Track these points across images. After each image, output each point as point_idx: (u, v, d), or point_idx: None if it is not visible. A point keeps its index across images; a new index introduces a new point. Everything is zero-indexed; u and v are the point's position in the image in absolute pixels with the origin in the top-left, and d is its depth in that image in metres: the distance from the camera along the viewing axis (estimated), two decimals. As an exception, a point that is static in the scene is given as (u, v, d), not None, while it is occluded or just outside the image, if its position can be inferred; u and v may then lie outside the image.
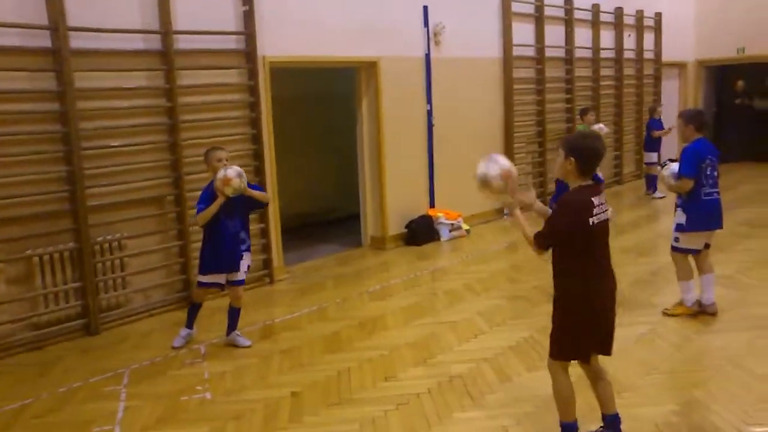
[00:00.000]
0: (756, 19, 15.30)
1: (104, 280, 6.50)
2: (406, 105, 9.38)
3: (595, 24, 12.85)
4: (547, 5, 11.54)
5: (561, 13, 12.07)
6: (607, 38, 13.33)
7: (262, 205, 6.01)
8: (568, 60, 12.25)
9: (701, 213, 5.78)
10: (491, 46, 10.73)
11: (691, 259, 6.02)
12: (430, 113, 9.74)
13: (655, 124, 12.38)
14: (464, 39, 10.10)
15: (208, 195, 5.54)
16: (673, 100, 16.41)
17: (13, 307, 5.97)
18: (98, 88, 6.32)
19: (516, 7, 10.96)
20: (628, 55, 14.06)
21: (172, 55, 6.72)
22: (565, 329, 3.73)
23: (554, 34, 11.88)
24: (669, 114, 15.77)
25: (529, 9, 11.37)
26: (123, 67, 6.49)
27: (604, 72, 13.22)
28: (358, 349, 5.74)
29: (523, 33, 11.25)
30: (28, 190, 5.94)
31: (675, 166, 5.88)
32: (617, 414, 3.84)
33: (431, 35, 9.62)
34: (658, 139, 12.32)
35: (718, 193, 5.88)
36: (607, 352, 3.77)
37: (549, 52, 11.72)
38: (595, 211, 3.57)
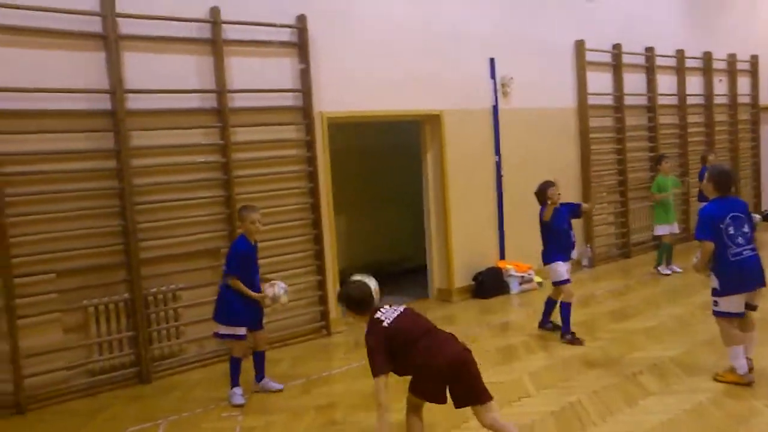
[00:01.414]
0: None
1: (158, 330, 6.72)
2: (472, 156, 9.29)
3: (680, 70, 12.37)
4: (625, 53, 11.22)
5: (641, 60, 11.70)
6: (695, 84, 12.79)
7: None
8: (651, 107, 11.81)
9: (732, 275, 5.43)
10: (564, 96, 10.52)
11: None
12: (498, 164, 9.60)
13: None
14: (534, 90, 9.94)
15: (240, 256, 5.79)
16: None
17: (69, 354, 6.24)
18: (152, 146, 6.62)
19: (591, 56, 10.72)
20: (721, 100, 13.41)
21: (227, 112, 6.97)
22: None
23: (635, 82, 11.53)
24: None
25: (606, 57, 11.09)
26: (178, 125, 6.77)
27: (692, 119, 12.66)
28: (392, 409, 5.58)
29: (600, 81, 10.98)
30: (85, 243, 6.26)
31: None
32: None
33: (498, 87, 9.54)
34: None
35: (752, 249, 5.49)
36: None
37: (629, 100, 11.37)
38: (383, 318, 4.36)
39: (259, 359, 6.12)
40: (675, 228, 10.03)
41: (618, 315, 8.03)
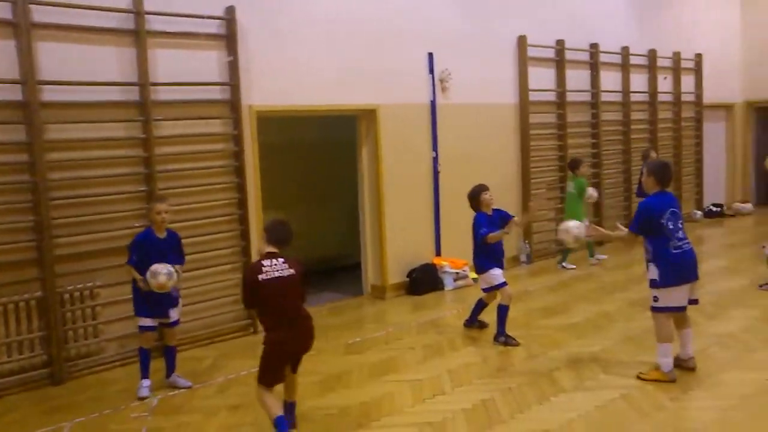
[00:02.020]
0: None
1: (74, 329, 6.54)
2: (409, 152, 9.23)
3: (625, 67, 12.44)
4: (569, 49, 11.23)
5: (585, 56, 11.73)
6: (639, 81, 12.88)
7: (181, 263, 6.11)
8: (594, 104, 11.87)
9: (674, 267, 5.49)
10: (505, 92, 10.50)
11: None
12: (435, 160, 9.56)
13: None
14: (474, 85, 9.91)
15: (137, 245, 5.83)
16: (720, 143, 15.73)
17: (-24, 355, 6.05)
18: (69, 140, 6.43)
19: (534, 52, 10.72)
20: (665, 98, 13.54)
21: (149, 105, 6.80)
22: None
23: (578, 78, 11.56)
24: (714, 157, 15.21)
25: (549, 53, 11.10)
26: (97, 118, 6.59)
27: (635, 116, 12.75)
28: (309, 408, 5.52)
29: (543, 77, 10.98)
30: (-5, 239, 6.06)
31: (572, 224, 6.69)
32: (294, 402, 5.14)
33: (437, 82, 9.48)
34: None
35: (689, 243, 5.60)
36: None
37: (572, 97, 11.40)
38: (264, 269, 4.72)
39: (168, 354, 6.11)
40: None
41: (547, 311, 8.05)
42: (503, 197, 10.40)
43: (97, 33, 6.59)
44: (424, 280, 9.21)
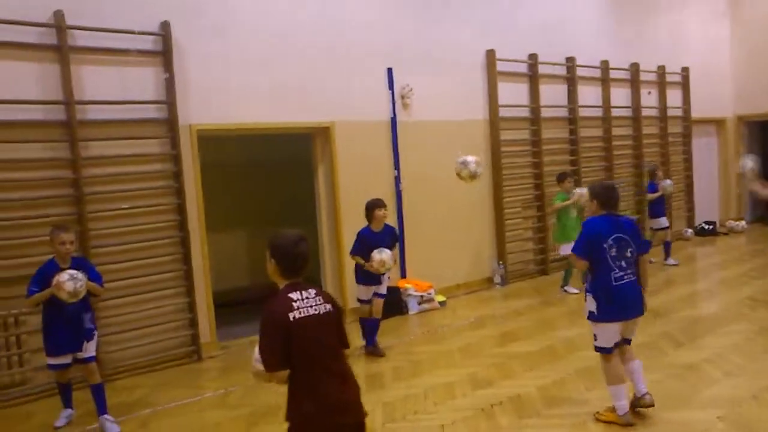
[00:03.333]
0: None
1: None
2: (368, 171, 8.88)
3: (605, 81, 12.07)
4: (543, 63, 10.88)
5: (562, 71, 11.38)
6: (621, 95, 12.49)
7: (96, 296, 5.74)
8: (572, 119, 11.49)
9: (612, 301, 4.97)
10: (473, 108, 10.15)
11: None
12: (398, 179, 9.21)
13: (652, 187, 11.35)
14: (439, 101, 9.58)
15: (42, 278, 5.34)
16: (712, 159, 15.28)
17: None
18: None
19: (505, 66, 10.38)
20: (650, 113, 13.13)
21: (75, 125, 6.52)
22: None
23: (554, 93, 11.20)
24: (707, 173, 14.75)
25: (521, 68, 10.75)
26: (16, 138, 6.32)
27: (618, 131, 12.33)
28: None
29: (515, 93, 10.64)
30: None
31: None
32: None
33: (397, 98, 9.15)
34: (660, 202, 11.26)
35: (632, 274, 5.03)
36: None
37: (548, 112, 11.03)
38: (296, 305, 3.23)
39: (93, 394, 5.61)
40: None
41: (507, 337, 7.63)
42: (474, 216, 10.10)
43: (14, 48, 6.33)
44: (386, 304, 8.79)
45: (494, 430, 5.12)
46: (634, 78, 12.74)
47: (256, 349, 3.25)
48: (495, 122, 10.29)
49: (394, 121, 9.14)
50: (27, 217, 6.35)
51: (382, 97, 9.06)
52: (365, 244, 7.02)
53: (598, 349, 5.11)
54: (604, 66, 12.07)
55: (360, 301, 7.40)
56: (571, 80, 11.45)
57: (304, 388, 3.21)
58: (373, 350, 7.30)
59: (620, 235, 5.00)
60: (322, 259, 8.88)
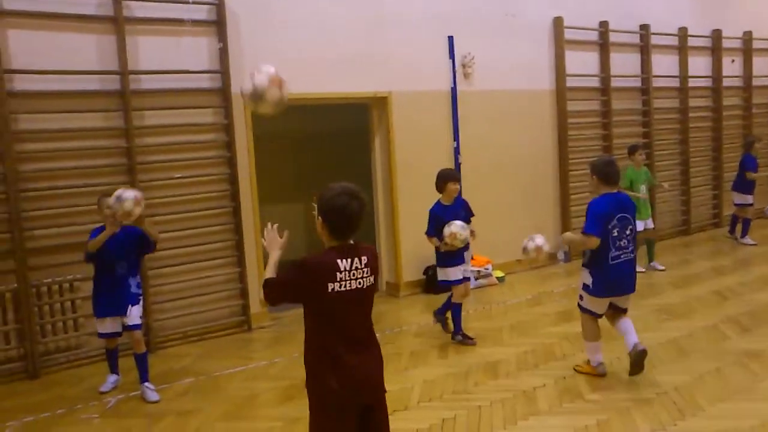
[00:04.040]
0: None
1: (52, 323, 6.44)
2: (426, 142, 8.69)
3: (683, 49, 11.42)
4: (613, 31, 10.37)
5: (634, 39, 10.82)
6: (699, 64, 11.81)
7: (150, 249, 5.73)
8: (645, 90, 10.94)
9: (607, 278, 5.19)
10: (539, 77, 9.78)
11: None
12: (457, 151, 8.99)
13: (751, 161, 10.68)
14: (502, 71, 9.27)
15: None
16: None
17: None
18: (40, 130, 6.30)
19: (574, 34, 9.94)
20: (733, 82, 12.39)
21: (128, 95, 6.59)
22: None
23: (625, 62, 10.67)
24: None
25: (591, 36, 10.28)
26: (73, 108, 6.42)
27: (695, 103, 11.69)
28: (260, 418, 5.17)
29: (584, 62, 10.19)
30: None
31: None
32: None
33: (458, 67, 8.90)
34: (752, 181, 10.61)
35: (630, 252, 5.23)
36: None
37: (618, 82, 10.53)
38: (339, 276, 3.00)
39: (137, 362, 5.70)
40: (650, 223, 9.14)
41: (562, 316, 7.39)
42: (537, 189, 9.80)
43: (73, 20, 6.41)
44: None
45: (532, 414, 4.95)
46: (715, 45, 12.01)
47: None
48: (562, 92, 9.90)
49: (454, 90, 8.90)
50: (78, 185, 6.47)
51: (442, 66, 8.82)
52: (439, 220, 6.44)
53: (582, 308, 5.42)
54: (682, 33, 11.41)
55: (447, 282, 6.57)
56: (644, 48, 10.89)
57: (328, 362, 3.05)
58: (463, 339, 6.60)
59: (624, 214, 5.13)
60: (377, 231, 8.80)
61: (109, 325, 5.63)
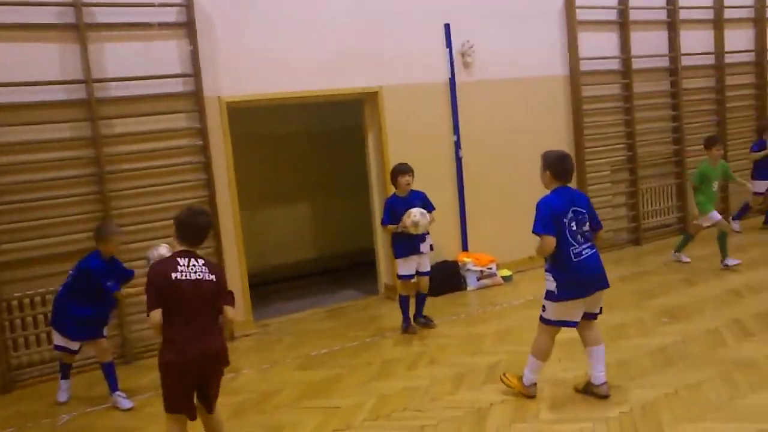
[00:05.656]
0: None
1: (25, 336, 6.43)
2: (423, 137, 8.29)
3: (718, 22, 10.58)
4: (634, 8, 9.67)
5: (660, 15, 10.09)
6: (738, 38, 10.91)
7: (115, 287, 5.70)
8: (673, 70, 10.20)
9: (574, 277, 4.69)
10: (549, 62, 9.22)
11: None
12: (457, 145, 8.57)
13: (763, 145, 9.89)
14: (506, 58, 8.78)
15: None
16: None
17: None
18: (7, 143, 6.27)
19: (585, 14, 9.31)
20: (777, 56, 11.44)
21: (93, 103, 6.49)
22: None
23: (650, 41, 9.96)
24: None
25: (608, 15, 9.62)
26: (37, 119, 6.37)
27: (732, 81, 10.82)
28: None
29: (601, 43, 9.56)
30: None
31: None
32: None
33: (456, 56, 8.46)
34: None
35: (591, 248, 4.77)
36: None
37: (641, 63, 9.85)
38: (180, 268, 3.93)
39: (104, 371, 5.69)
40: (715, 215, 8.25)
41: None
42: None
43: (33, 30, 6.35)
44: (442, 280, 8.26)
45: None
46: (758, 16, 11.09)
47: None
48: (576, 77, 9.31)
49: (452, 81, 8.47)
50: (48, 197, 6.43)
51: (437, 56, 8.40)
52: (394, 211, 6.69)
53: (544, 320, 4.87)
54: (718, 5, 10.57)
55: (401, 277, 6.92)
56: (671, 25, 10.13)
57: (171, 335, 3.91)
58: (425, 323, 7.06)
59: (577, 208, 4.72)
60: (375, 234, 8.50)
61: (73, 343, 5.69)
